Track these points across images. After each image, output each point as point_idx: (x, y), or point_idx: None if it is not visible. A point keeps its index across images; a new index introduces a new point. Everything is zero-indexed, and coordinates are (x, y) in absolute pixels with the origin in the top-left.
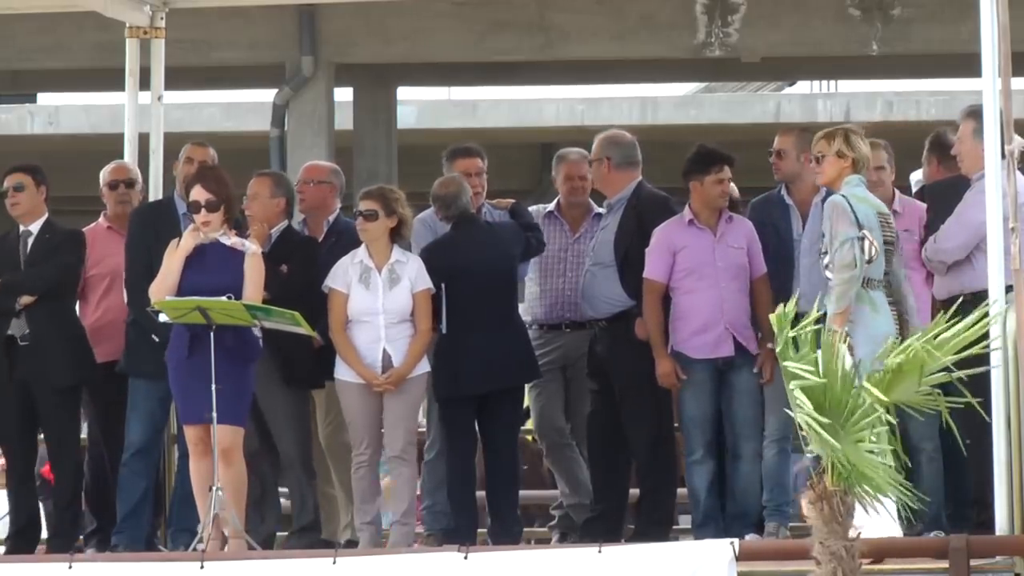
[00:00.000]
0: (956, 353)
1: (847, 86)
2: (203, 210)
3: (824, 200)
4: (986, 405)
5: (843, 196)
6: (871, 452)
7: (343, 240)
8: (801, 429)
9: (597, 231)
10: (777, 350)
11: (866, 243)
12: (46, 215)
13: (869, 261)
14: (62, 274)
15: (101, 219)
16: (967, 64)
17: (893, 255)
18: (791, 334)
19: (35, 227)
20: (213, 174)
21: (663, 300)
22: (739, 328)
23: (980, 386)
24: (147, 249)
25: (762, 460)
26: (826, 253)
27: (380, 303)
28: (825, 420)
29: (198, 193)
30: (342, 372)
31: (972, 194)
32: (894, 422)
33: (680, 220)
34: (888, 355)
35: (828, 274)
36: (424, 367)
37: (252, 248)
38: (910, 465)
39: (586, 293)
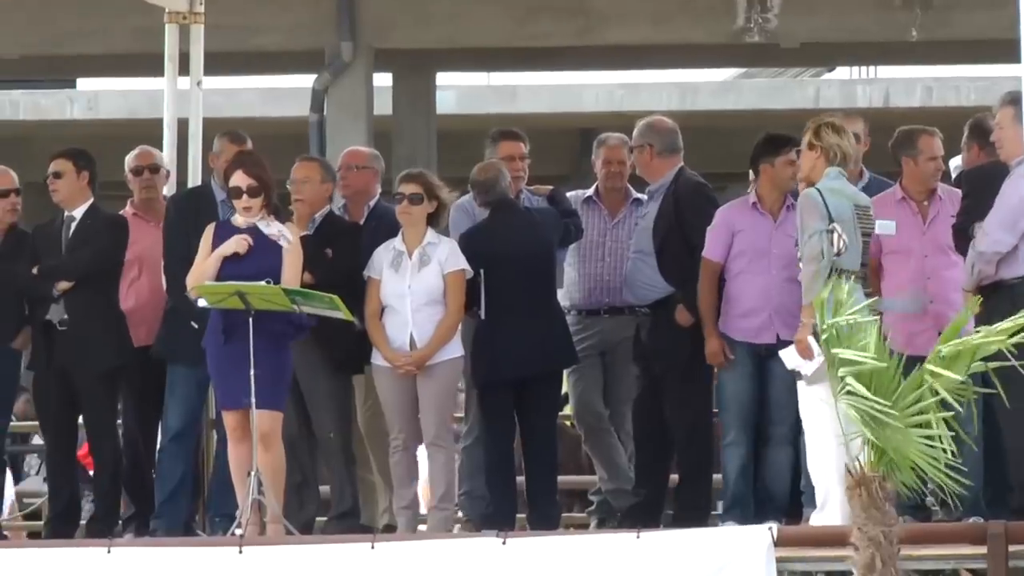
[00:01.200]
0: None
1: (886, 72)
2: (244, 195)
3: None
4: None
5: (817, 189)
6: (926, 438)
7: (383, 224)
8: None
9: (638, 217)
10: (823, 338)
11: (835, 236)
12: (90, 201)
13: (838, 254)
14: (99, 260)
15: (128, 206)
16: (1007, 50)
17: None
18: (837, 321)
19: (78, 213)
20: (253, 159)
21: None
22: (785, 316)
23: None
24: (185, 236)
25: (795, 447)
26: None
27: (407, 285)
28: (879, 404)
29: (239, 179)
30: (377, 357)
31: (1011, 181)
32: (960, 408)
33: (744, 202)
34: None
35: (800, 265)
36: (456, 351)
37: (290, 239)
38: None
39: (628, 279)
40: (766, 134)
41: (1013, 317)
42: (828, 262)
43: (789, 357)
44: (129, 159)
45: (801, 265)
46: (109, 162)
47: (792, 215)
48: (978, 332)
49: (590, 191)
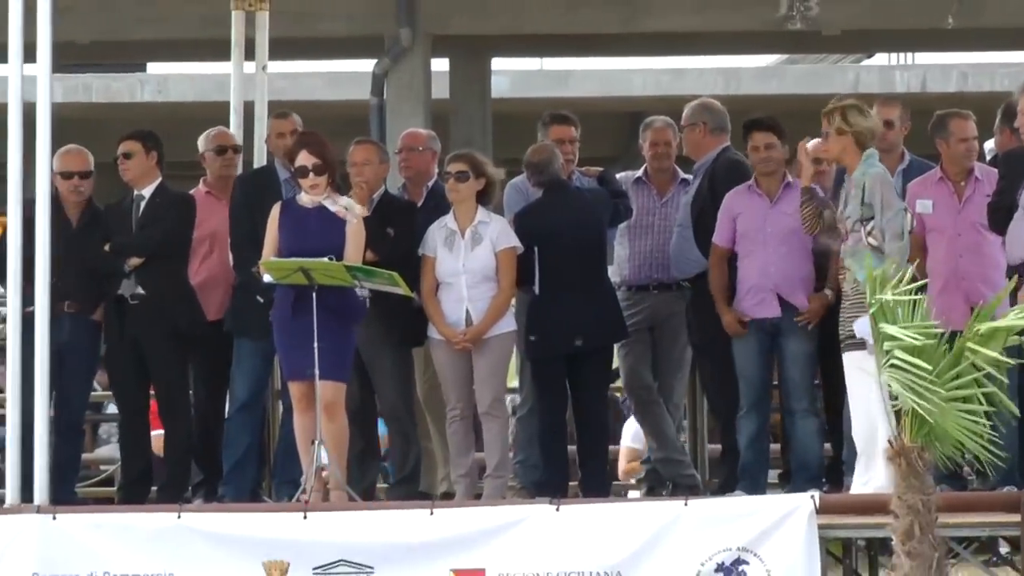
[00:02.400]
0: None
1: (923, 58)
2: (310, 174)
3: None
4: None
5: (884, 169)
6: (967, 411)
7: (442, 204)
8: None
9: (684, 194)
10: (871, 312)
11: (908, 216)
12: (159, 180)
13: (911, 232)
14: (168, 236)
15: (200, 184)
16: None
17: None
18: (886, 298)
19: (147, 191)
20: (316, 139)
21: None
22: (787, 291)
23: None
24: (250, 214)
25: (818, 417)
26: (867, 220)
27: (462, 263)
28: (922, 378)
29: (304, 158)
30: (434, 331)
31: None
32: (1005, 380)
33: (744, 187)
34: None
35: (872, 240)
36: (510, 325)
37: (356, 211)
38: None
39: (672, 253)
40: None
41: None
42: (908, 240)
43: (861, 326)
44: (209, 139)
45: (873, 240)
46: (177, 143)
47: (790, 194)
48: (1013, 309)
49: (639, 172)
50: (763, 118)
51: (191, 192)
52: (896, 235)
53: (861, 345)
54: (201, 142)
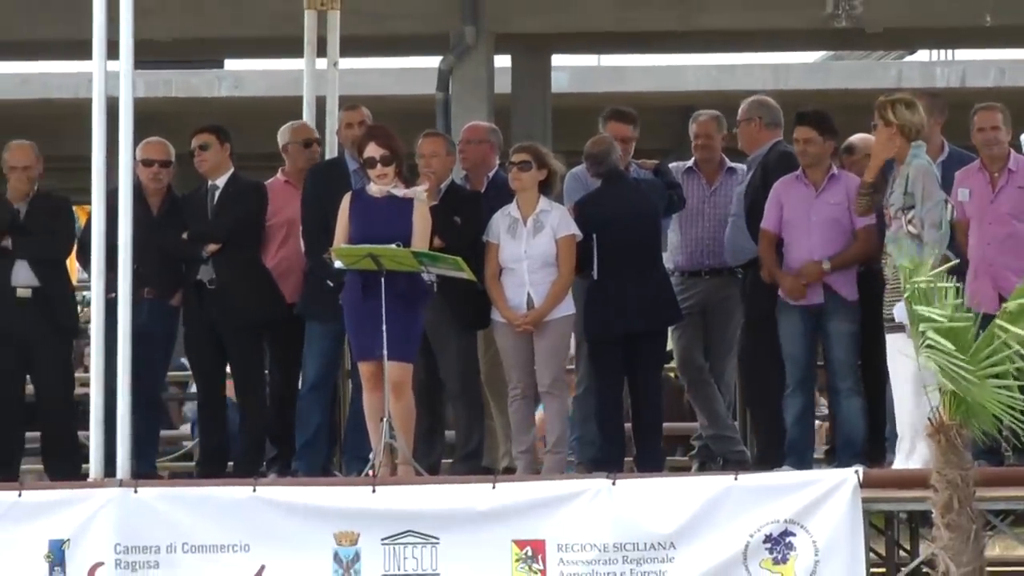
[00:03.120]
0: None
1: (963, 55)
2: (378, 165)
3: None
4: None
5: (928, 161)
6: (1003, 388)
7: (502, 193)
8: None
9: (736, 184)
10: (906, 296)
11: (949, 207)
12: (232, 170)
13: (951, 221)
14: (243, 224)
15: (279, 174)
16: None
17: None
18: (919, 280)
19: (221, 181)
20: (384, 131)
21: None
22: (830, 277)
23: None
24: (321, 204)
25: (862, 397)
26: (909, 209)
27: (524, 250)
28: (957, 358)
29: (373, 150)
30: (497, 314)
31: None
32: None
33: (792, 176)
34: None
35: (911, 229)
36: (569, 309)
37: (423, 197)
38: None
39: (727, 243)
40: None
41: None
42: (947, 230)
43: (899, 311)
44: (294, 132)
45: (913, 228)
46: (252, 136)
47: (834, 185)
48: None
49: (690, 162)
50: (809, 112)
51: (268, 181)
52: (934, 224)
53: (902, 328)
54: (285, 134)
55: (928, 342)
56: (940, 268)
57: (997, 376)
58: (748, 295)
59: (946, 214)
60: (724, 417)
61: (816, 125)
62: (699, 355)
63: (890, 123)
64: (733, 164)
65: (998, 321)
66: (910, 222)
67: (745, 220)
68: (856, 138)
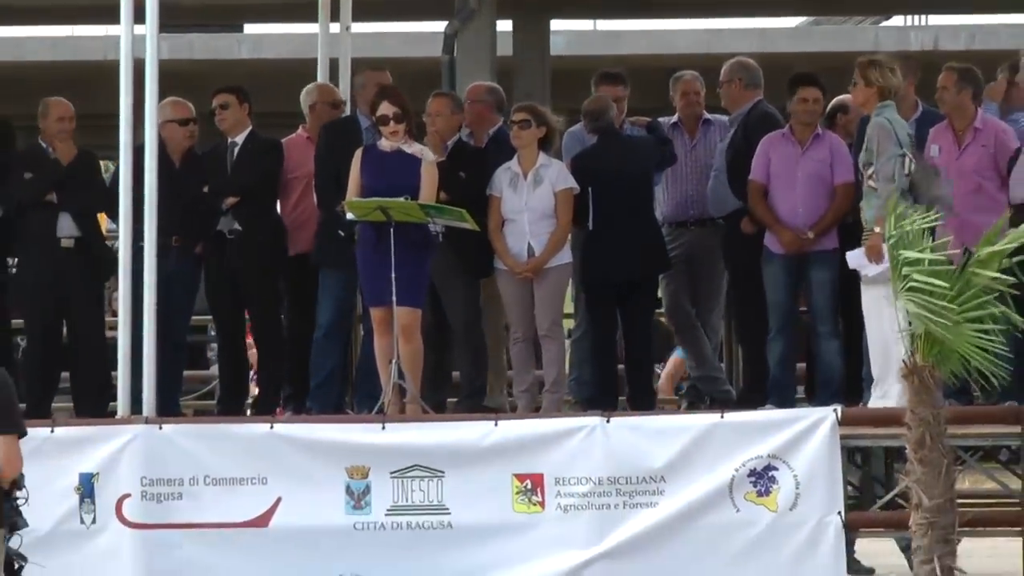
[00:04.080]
0: None
1: (935, 19)
2: (391, 122)
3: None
4: None
5: (887, 119)
6: (983, 332)
7: (504, 148)
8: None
9: (718, 140)
10: (890, 242)
11: (906, 160)
12: (250, 128)
13: (908, 175)
14: (260, 178)
15: (300, 130)
16: None
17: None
18: (904, 225)
19: (240, 138)
20: (396, 91)
21: None
22: (806, 230)
23: None
24: (334, 159)
25: (839, 339)
26: (869, 164)
27: (524, 202)
28: (942, 296)
29: (386, 108)
30: (499, 262)
31: None
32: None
33: (779, 133)
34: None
35: (872, 183)
36: (566, 258)
37: (429, 156)
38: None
39: (710, 195)
40: (793, 74)
41: None
42: (901, 182)
43: (854, 258)
44: (322, 92)
45: (873, 183)
46: (270, 95)
47: (819, 143)
48: (1007, 235)
49: (674, 118)
50: (810, 74)
51: (289, 138)
52: (887, 178)
53: (878, 277)
54: (312, 94)
55: (911, 284)
56: (927, 215)
57: (975, 320)
58: (729, 245)
59: (901, 168)
60: (711, 359)
61: (820, 86)
62: (686, 302)
63: (871, 84)
64: (708, 116)
65: (969, 268)
66: (871, 177)
67: (727, 175)
68: (848, 98)
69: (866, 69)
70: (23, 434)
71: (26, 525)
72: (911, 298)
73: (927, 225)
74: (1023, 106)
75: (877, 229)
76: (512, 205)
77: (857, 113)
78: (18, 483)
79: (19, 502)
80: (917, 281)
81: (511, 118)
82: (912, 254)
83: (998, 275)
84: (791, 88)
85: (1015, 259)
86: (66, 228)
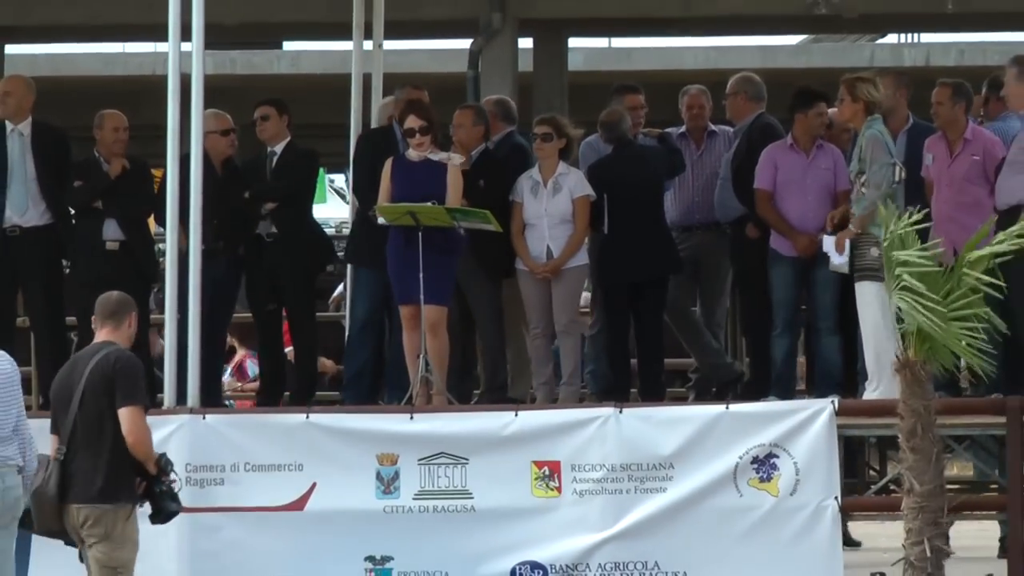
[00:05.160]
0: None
1: (927, 38)
2: (417, 134)
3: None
4: None
5: (878, 131)
6: (970, 329)
7: (513, 151)
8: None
9: (724, 150)
10: (884, 244)
11: (896, 168)
12: (288, 138)
13: (897, 182)
14: (297, 185)
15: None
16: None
17: None
18: (896, 229)
19: (279, 148)
20: (423, 105)
21: None
22: (819, 233)
23: None
24: (371, 166)
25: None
26: (862, 173)
27: (544, 208)
28: (930, 299)
29: (412, 121)
30: (521, 264)
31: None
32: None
33: (784, 143)
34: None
35: (864, 190)
36: (583, 260)
37: (456, 160)
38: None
39: (716, 202)
40: (799, 89)
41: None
42: (889, 189)
43: (827, 244)
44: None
45: (864, 189)
46: (307, 108)
47: (822, 153)
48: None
49: (681, 129)
50: (821, 91)
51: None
52: (876, 185)
53: (872, 276)
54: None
55: (904, 284)
56: (915, 218)
57: (963, 319)
58: (736, 250)
59: (892, 176)
60: (713, 346)
61: (828, 100)
62: (688, 301)
63: (858, 99)
64: (714, 127)
65: (958, 269)
66: (863, 184)
67: (732, 182)
68: (834, 112)
69: (853, 85)
70: (147, 407)
71: (180, 510)
72: (903, 297)
73: (917, 228)
74: (1003, 115)
75: (852, 227)
76: (533, 211)
77: (840, 128)
78: (164, 468)
79: (174, 487)
80: (908, 282)
81: (533, 130)
82: (905, 255)
83: (981, 276)
84: (807, 103)
85: (997, 260)
86: (111, 232)
